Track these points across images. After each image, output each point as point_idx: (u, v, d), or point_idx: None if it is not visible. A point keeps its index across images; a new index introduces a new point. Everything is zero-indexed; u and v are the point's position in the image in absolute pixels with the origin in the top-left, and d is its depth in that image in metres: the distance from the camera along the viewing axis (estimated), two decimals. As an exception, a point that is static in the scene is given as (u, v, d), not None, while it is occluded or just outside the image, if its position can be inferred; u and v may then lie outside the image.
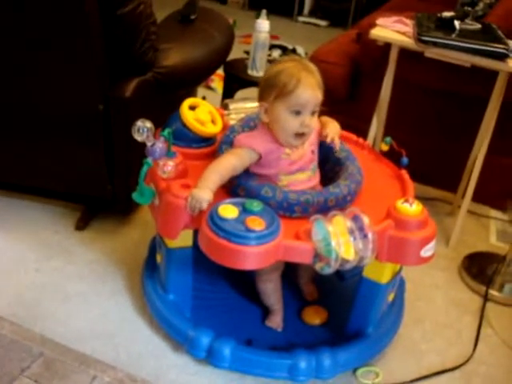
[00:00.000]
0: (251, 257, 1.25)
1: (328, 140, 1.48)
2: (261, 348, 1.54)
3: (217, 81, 3.44)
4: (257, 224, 1.25)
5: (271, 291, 1.61)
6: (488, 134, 2.08)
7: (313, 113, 1.38)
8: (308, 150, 1.47)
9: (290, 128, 1.38)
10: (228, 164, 1.39)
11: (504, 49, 1.86)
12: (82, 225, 2.04)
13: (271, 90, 1.38)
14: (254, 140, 1.42)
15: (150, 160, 1.40)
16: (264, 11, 2.42)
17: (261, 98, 1.43)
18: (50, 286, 1.78)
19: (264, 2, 5.52)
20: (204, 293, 1.70)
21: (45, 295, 1.74)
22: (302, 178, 1.46)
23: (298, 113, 1.37)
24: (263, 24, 2.39)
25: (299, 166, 1.45)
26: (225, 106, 1.81)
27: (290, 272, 1.68)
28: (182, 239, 1.45)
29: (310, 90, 1.35)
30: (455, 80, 2.24)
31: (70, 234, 2.01)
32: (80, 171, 1.93)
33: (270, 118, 1.41)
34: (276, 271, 1.57)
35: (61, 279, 1.81)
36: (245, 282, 1.70)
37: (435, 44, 1.91)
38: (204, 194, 1.32)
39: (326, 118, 1.54)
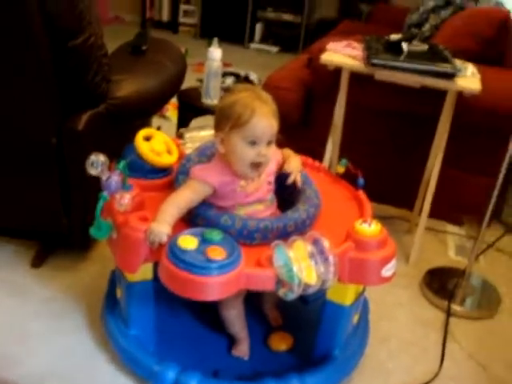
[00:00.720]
0: (213, 287, 1.23)
1: (291, 179, 1.49)
2: (228, 379, 1.51)
3: (171, 110, 3.43)
4: (217, 253, 1.24)
5: (234, 318, 1.59)
6: (440, 151, 2.13)
7: (269, 142, 1.38)
8: (264, 182, 1.47)
9: (246, 158, 1.37)
10: (185, 197, 1.38)
11: (451, 68, 1.92)
12: (38, 262, 1.98)
13: (226, 120, 1.37)
14: (208, 173, 1.41)
15: (105, 194, 1.38)
16: (215, 39, 2.44)
17: (216, 128, 1.42)
18: (7, 326, 1.72)
19: (215, 30, 5.59)
20: (167, 325, 1.67)
21: (1, 336, 1.68)
22: (259, 209, 1.46)
23: (253, 143, 1.36)
24: (215, 52, 2.41)
25: (256, 197, 1.45)
26: (180, 136, 1.80)
27: (253, 298, 1.66)
28: (142, 272, 1.42)
29: (264, 120, 1.35)
30: (406, 101, 2.29)
31: (26, 272, 1.95)
32: (34, 206, 1.88)
33: (226, 148, 1.40)
34: (238, 298, 1.55)
35: (18, 319, 1.75)
36: (208, 312, 1.67)
37: (384, 66, 1.96)
38: (162, 227, 1.31)
39: (287, 152, 1.56)
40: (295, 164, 1.53)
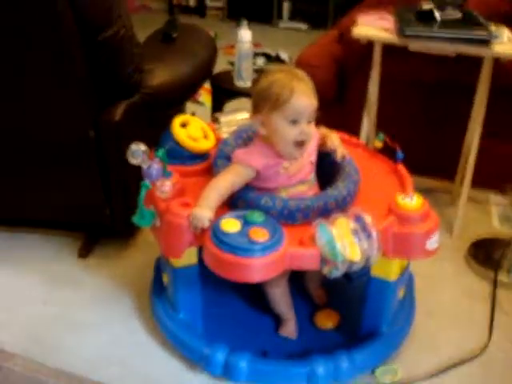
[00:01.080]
0: (258, 269, 1.24)
1: (339, 155, 1.49)
2: (277, 358, 1.53)
3: (204, 94, 3.43)
4: (260, 235, 1.25)
5: (280, 296, 1.60)
6: (479, 120, 2.08)
7: (309, 120, 1.38)
8: (307, 161, 1.47)
9: (289, 137, 1.37)
10: (226, 182, 1.39)
11: (487, 34, 1.87)
12: (84, 252, 2.03)
13: (265, 102, 1.38)
14: (252, 156, 1.42)
15: (147, 182, 1.40)
16: (244, 21, 2.43)
17: (255, 110, 1.43)
18: (59, 316, 1.77)
19: (242, 11, 5.56)
20: (214, 308, 1.69)
21: (55, 327, 1.73)
22: (302, 190, 1.46)
23: (295, 122, 1.36)
24: (245, 34, 2.39)
25: (299, 178, 1.45)
26: (215, 120, 1.81)
27: (297, 278, 1.67)
28: (187, 257, 1.44)
29: (304, 97, 1.35)
30: (442, 70, 2.24)
31: (74, 263, 2.00)
32: (77, 198, 1.92)
33: (268, 130, 1.40)
34: (283, 277, 1.56)
35: (69, 309, 1.80)
36: (254, 293, 1.69)
37: (418, 37, 1.92)
38: (205, 212, 1.32)
39: (324, 130, 1.55)
40: (337, 140, 1.52)
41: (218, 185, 1.39)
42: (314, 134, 1.45)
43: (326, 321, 1.67)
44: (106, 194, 1.87)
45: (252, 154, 1.43)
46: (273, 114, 1.37)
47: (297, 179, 1.45)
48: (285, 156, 1.41)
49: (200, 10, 6.25)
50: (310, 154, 1.48)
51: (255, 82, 1.48)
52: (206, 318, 1.62)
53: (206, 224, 1.31)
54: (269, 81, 1.39)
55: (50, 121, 1.77)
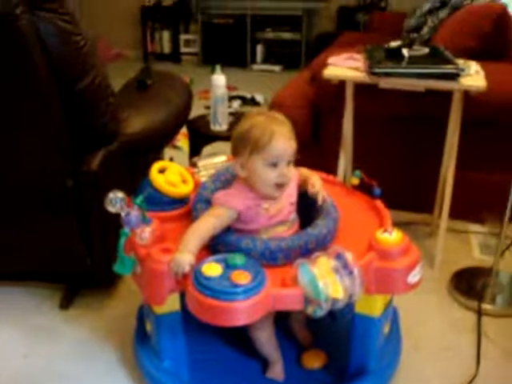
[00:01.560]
0: (241, 312, 1.23)
1: (320, 199, 1.49)
2: (265, 402, 1.51)
3: (182, 140, 3.46)
4: (242, 278, 1.25)
5: (266, 340, 1.59)
6: (453, 152, 2.12)
7: (288, 162, 1.40)
8: (286, 203, 1.47)
9: (269, 180, 1.39)
10: (207, 225, 1.39)
11: (454, 68, 1.92)
12: (65, 303, 2.00)
13: (245, 145, 1.39)
14: (232, 198, 1.42)
15: (126, 230, 1.40)
16: (218, 66, 2.47)
17: (235, 153, 1.44)
18: (42, 370, 1.73)
19: (217, 55, 5.67)
20: (200, 354, 1.67)
21: (37, 381, 1.69)
22: (282, 230, 1.46)
23: (274, 164, 1.38)
24: (219, 79, 2.44)
25: (279, 219, 1.46)
26: (193, 165, 1.82)
27: (282, 319, 1.66)
28: (169, 304, 1.43)
29: (283, 140, 1.37)
30: (413, 105, 2.29)
31: (55, 315, 1.97)
32: (56, 249, 1.91)
33: (247, 172, 1.41)
34: (266, 320, 1.54)
35: (52, 362, 1.76)
36: (240, 337, 1.67)
37: (387, 74, 1.97)
38: (185, 257, 1.32)
39: (305, 171, 1.57)
40: (319, 183, 1.53)
41: (198, 228, 1.39)
42: (293, 176, 1.47)
43: (313, 361, 1.66)
44: (87, 243, 1.86)
45: (232, 195, 1.44)
46: (252, 157, 1.38)
47: (277, 220, 1.45)
48: (265, 197, 1.42)
49: (175, 57, 6.36)
50: (290, 196, 1.49)
51: (235, 125, 1.49)
52: (192, 364, 1.60)
53: (187, 269, 1.30)
54: (248, 124, 1.41)
55: (27, 171, 1.76)
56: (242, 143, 1.40)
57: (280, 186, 1.41)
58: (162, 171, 1.60)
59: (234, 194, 1.45)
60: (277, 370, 1.61)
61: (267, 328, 1.57)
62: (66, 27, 1.56)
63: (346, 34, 4.54)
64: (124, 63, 6.06)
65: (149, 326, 1.60)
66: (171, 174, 1.60)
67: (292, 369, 1.63)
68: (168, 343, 1.54)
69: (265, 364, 1.63)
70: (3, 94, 1.62)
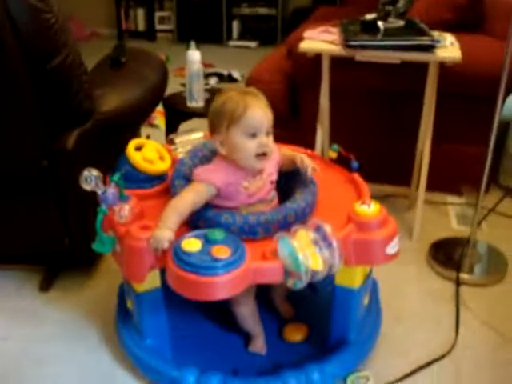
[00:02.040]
0: (222, 286, 1.23)
1: (310, 172, 1.48)
2: (248, 375, 1.52)
3: (159, 118, 3.43)
4: (222, 252, 1.25)
5: (248, 315, 1.60)
6: (430, 125, 2.14)
7: (267, 133, 1.39)
8: (267, 181, 1.47)
9: (250, 151, 1.38)
10: (187, 201, 1.38)
11: (429, 40, 1.92)
12: (45, 285, 1.99)
13: (221, 120, 1.38)
14: (212, 174, 1.42)
15: (104, 207, 1.39)
16: (193, 42, 2.45)
17: (212, 131, 1.43)
18: (22, 353, 1.72)
19: (192, 32, 5.61)
20: (181, 331, 1.68)
21: (18, 363, 1.68)
22: (261, 208, 1.45)
23: (253, 135, 1.37)
24: (194, 55, 2.41)
25: (258, 197, 1.45)
26: (170, 141, 1.80)
27: (263, 293, 1.67)
28: (150, 281, 1.43)
29: (259, 110, 1.37)
30: (389, 78, 2.30)
31: (35, 297, 1.95)
32: (34, 230, 1.89)
33: (227, 147, 1.40)
34: (248, 294, 1.55)
35: (32, 344, 1.75)
36: (221, 311, 1.68)
37: (363, 47, 1.96)
38: (164, 233, 1.31)
39: (288, 151, 1.57)
40: (306, 157, 1.52)
41: (177, 205, 1.38)
42: (274, 151, 1.46)
43: (295, 334, 1.67)
44: (64, 222, 1.84)
45: (212, 171, 1.43)
46: (230, 130, 1.38)
47: (256, 198, 1.45)
48: (247, 172, 1.42)
49: (150, 34, 6.28)
50: (270, 174, 1.48)
51: (210, 103, 1.48)
52: (174, 341, 1.60)
53: (166, 245, 1.30)
54: (222, 99, 1.40)
55: (0, 152, 1.73)
56: (218, 119, 1.39)
57: (261, 156, 1.40)
58: (138, 148, 1.58)
59: (214, 169, 1.44)
60: (259, 344, 1.62)
61: (249, 303, 1.58)
62: (36, 4, 1.52)
63: (322, 8, 4.51)
64: (98, 42, 5.98)
65: (130, 304, 1.60)
66: (148, 151, 1.58)
67: (274, 342, 1.65)
68: (150, 321, 1.54)
69: (247, 338, 1.65)
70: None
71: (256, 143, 1.38)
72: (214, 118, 1.42)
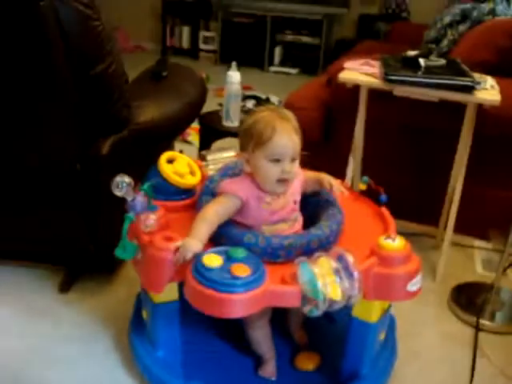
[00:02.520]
0: (239, 304, 1.24)
1: (337, 193, 1.51)
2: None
3: (193, 134, 3.47)
4: (242, 271, 1.25)
5: (261, 338, 1.59)
6: (463, 166, 2.12)
7: (293, 159, 1.40)
8: (290, 201, 1.47)
9: (272, 176, 1.39)
10: (213, 212, 1.39)
11: (470, 81, 1.91)
12: (66, 286, 2.01)
13: (249, 140, 1.40)
14: (236, 186, 1.43)
15: (131, 215, 1.41)
16: (234, 63, 2.48)
17: (241, 148, 1.45)
18: (37, 351, 1.74)
19: (235, 55, 5.67)
20: (194, 346, 1.67)
21: (32, 361, 1.69)
22: (283, 228, 1.46)
23: (277, 161, 1.38)
24: (234, 75, 2.44)
25: (281, 216, 1.45)
26: (202, 158, 1.82)
27: (279, 318, 1.66)
28: (168, 293, 1.43)
29: (286, 136, 1.37)
30: (426, 115, 2.29)
31: (55, 297, 1.97)
32: (60, 232, 1.92)
33: (252, 167, 1.42)
34: (264, 317, 1.55)
35: (47, 343, 1.77)
36: (235, 332, 1.67)
37: (402, 82, 1.96)
38: (194, 244, 1.32)
39: (312, 173, 1.57)
40: (333, 180, 1.54)
41: (205, 216, 1.39)
42: (298, 173, 1.47)
43: (307, 363, 1.65)
44: (90, 228, 1.87)
45: (237, 184, 1.45)
46: (256, 151, 1.39)
47: (279, 217, 1.45)
48: (269, 192, 1.43)
49: (193, 53, 6.37)
50: (293, 194, 1.49)
51: (244, 121, 1.50)
52: (186, 355, 1.60)
53: (189, 256, 1.31)
54: (253, 119, 1.42)
55: (37, 153, 1.77)
56: (246, 138, 1.41)
57: (283, 181, 1.41)
58: (170, 161, 1.61)
59: (239, 182, 1.45)
60: (269, 369, 1.61)
61: (264, 327, 1.57)
62: (85, 12, 1.57)
63: (366, 41, 4.53)
64: (142, 55, 6.09)
65: (145, 314, 1.61)
66: (180, 164, 1.61)
67: (285, 369, 1.63)
68: (163, 333, 1.55)
69: (258, 361, 1.63)
70: (20, 76, 1.63)
71: (279, 169, 1.38)
72: (243, 136, 1.44)
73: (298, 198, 1.51)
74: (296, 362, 1.66)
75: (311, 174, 1.58)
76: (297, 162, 1.42)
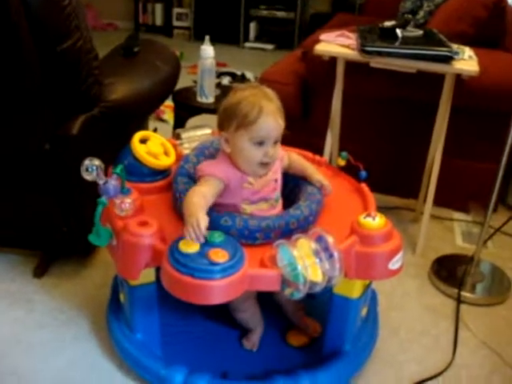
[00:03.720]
0: (217, 291, 1.20)
1: (328, 192, 1.50)
2: (237, 379, 1.49)
3: (168, 112, 3.41)
4: (220, 256, 1.21)
5: (248, 318, 1.58)
6: (441, 138, 2.10)
7: (275, 142, 1.36)
8: (271, 179, 1.43)
9: (254, 159, 1.35)
10: (201, 196, 1.31)
11: (448, 51, 1.89)
12: (40, 271, 1.96)
13: (232, 120, 1.34)
14: (216, 168, 1.38)
15: (104, 199, 1.36)
16: (207, 37, 2.42)
17: (220, 127, 1.39)
18: (11, 337, 1.69)
19: (209, 31, 5.56)
20: (173, 327, 1.65)
21: (7, 348, 1.65)
22: (264, 208, 1.42)
23: (261, 143, 1.33)
24: (207, 50, 2.38)
25: (262, 195, 1.41)
26: (177, 136, 1.77)
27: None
28: (144, 275, 1.39)
29: (272, 119, 1.32)
30: (404, 87, 2.26)
31: (29, 282, 1.93)
32: (32, 215, 1.87)
33: (232, 148, 1.37)
34: (248, 300, 1.53)
35: (22, 329, 1.73)
36: (215, 310, 1.63)
37: (379, 53, 1.93)
38: (201, 217, 1.23)
39: (298, 159, 1.56)
40: (319, 174, 1.53)
41: (194, 201, 1.29)
42: (279, 152, 1.43)
43: (298, 339, 1.64)
44: (63, 210, 1.82)
45: (216, 166, 1.39)
46: (238, 132, 1.33)
47: (260, 196, 1.41)
48: (248, 173, 1.39)
49: (166, 30, 6.26)
50: (274, 172, 1.45)
51: (223, 98, 1.43)
52: (165, 338, 1.57)
53: (203, 227, 1.22)
54: (237, 98, 1.35)
55: (4, 133, 1.71)
56: (229, 117, 1.35)
57: (265, 164, 1.37)
58: (143, 141, 1.56)
59: (219, 164, 1.40)
60: (253, 339, 1.60)
61: (249, 309, 1.56)
62: (48, -15, 1.50)
63: (341, 15, 4.48)
64: (114, 33, 5.97)
65: (122, 297, 1.57)
66: (153, 144, 1.56)
67: (269, 346, 1.62)
68: (141, 315, 1.52)
69: (239, 339, 1.62)
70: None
71: (262, 152, 1.34)
72: (224, 115, 1.37)
73: (279, 176, 1.47)
74: (288, 339, 1.64)
75: (298, 162, 1.55)
76: (278, 145, 1.38)
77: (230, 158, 1.39)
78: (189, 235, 1.22)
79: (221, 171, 1.36)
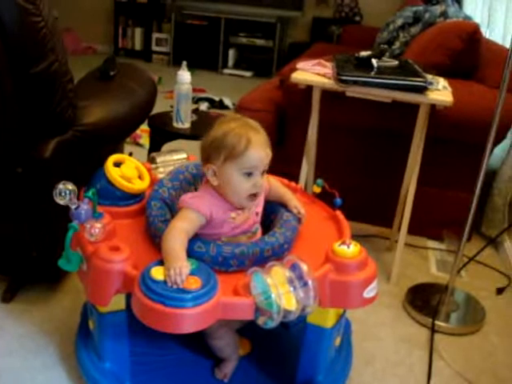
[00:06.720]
0: (189, 319, 1.17)
1: (303, 219, 1.50)
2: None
3: (144, 137, 3.40)
4: (192, 283, 1.18)
5: (222, 347, 1.54)
6: (416, 167, 2.12)
7: (263, 172, 1.35)
8: (253, 213, 1.42)
9: (243, 190, 1.33)
10: (182, 231, 1.29)
11: (422, 81, 1.91)
12: (8, 296, 1.91)
13: (219, 152, 1.32)
14: (201, 202, 1.35)
15: (75, 224, 1.33)
16: (184, 62, 2.42)
17: (207, 160, 1.36)
18: (-23, 365, 1.64)
19: (188, 57, 5.60)
20: (144, 356, 1.61)
21: (-29, 377, 1.60)
22: (243, 240, 1.40)
23: (249, 174, 1.32)
24: (184, 75, 2.38)
25: (242, 229, 1.40)
26: (152, 160, 1.75)
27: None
28: (114, 303, 1.35)
29: (260, 149, 1.32)
30: (379, 117, 2.29)
31: (-4, 308, 1.88)
32: (2, 239, 1.83)
33: (220, 180, 1.35)
34: (223, 327, 1.50)
35: (-13, 357, 1.67)
36: (189, 336, 1.60)
37: (355, 82, 1.94)
38: (183, 265, 1.22)
39: (276, 185, 1.54)
40: (297, 201, 1.52)
41: (175, 236, 1.28)
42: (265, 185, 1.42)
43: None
44: (33, 235, 1.78)
45: (200, 199, 1.36)
46: (226, 165, 1.32)
47: (240, 230, 1.40)
48: (236, 206, 1.37)
49: (146, 55, 6.29)
50: (257, 206, 1.43)
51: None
52: (135, 366, 1.53)
53: (184, 277, 1.20)
54: (223, 130, 1.33)
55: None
56: (216, 150, 1.33)
57: (253, 196, 1.36)
58: (118, 165, 1.54)
59: (202, 198, 1.37)
60: (225, 370, 1.56)
61: (225, 337, 1.52)
62: (24, 5, 1.48)
63: (319, 44, 4.55)
64: (93, 57, 5.95)
65: (92, 325, 1.53)
66: (127, 167, 1.54)
67: (239, 374, 1.58)
68: (110, 344, 1.47)
69: (211, 369, 1.59)
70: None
71: (251, 183, 1.33)
72: (210, 147, 1.35)
73: (261, 209, 1.46)
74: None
75: (276, 187, 1.54)
76: (265, 175, 1.37)
77: (217, 190, 1.37)
78: (169, 280, 1.20)
79: (205, 207, 1.34)
